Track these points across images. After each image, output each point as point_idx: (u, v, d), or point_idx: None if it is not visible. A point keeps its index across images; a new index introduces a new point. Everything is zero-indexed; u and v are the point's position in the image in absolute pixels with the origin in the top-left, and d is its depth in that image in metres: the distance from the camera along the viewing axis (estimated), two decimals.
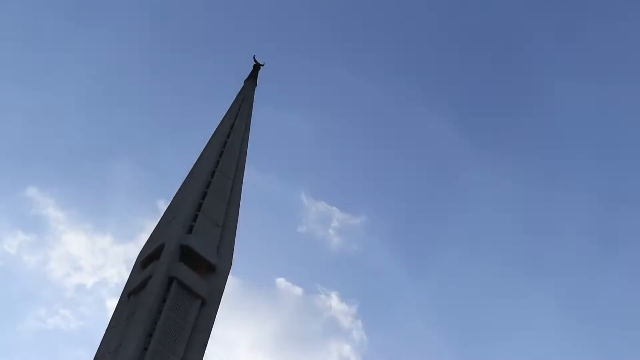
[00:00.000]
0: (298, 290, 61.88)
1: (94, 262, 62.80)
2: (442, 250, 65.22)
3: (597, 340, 67.27)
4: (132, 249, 22.70)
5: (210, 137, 22.29)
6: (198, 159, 21.44)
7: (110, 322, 16.72)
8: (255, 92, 25.41)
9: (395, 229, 68.98)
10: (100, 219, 70.51)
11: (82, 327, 59.73)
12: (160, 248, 17.35)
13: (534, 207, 69.19)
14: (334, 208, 65.58)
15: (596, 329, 65.78)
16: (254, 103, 24.88)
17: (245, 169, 22.07)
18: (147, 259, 17.91)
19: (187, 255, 17.14)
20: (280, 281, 61.51)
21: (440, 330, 65.07)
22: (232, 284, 19.53)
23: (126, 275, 19.07)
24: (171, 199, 20.62)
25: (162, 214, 20.27)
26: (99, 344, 15.91)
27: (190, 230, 17.88)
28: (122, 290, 18.18)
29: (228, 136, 22.21)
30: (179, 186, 20.79)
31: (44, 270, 62.19)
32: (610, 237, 68.18)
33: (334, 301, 63.73)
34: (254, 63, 25.62)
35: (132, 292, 17.12)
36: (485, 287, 64.48)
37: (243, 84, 25.52)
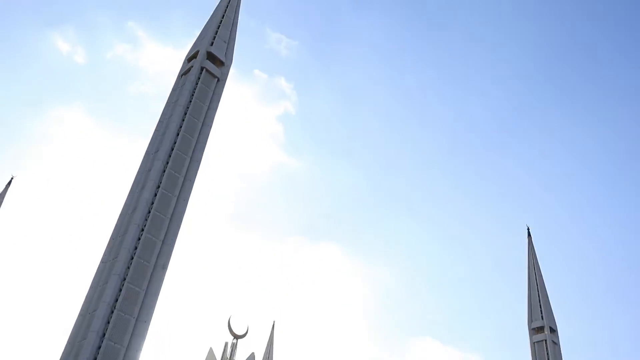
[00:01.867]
0: None
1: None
2: None
3: None
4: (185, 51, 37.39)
5: None
6: None
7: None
8: None
9: None
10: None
11: None
12: (197, 52, 32.87)
13: None
14: None
15: None
16: None
17: None
18: (190, 57, 33.50)
19: (210, 56, 32.56)
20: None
21: None
22: (231, 71, 34.60)
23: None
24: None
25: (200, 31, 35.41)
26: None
27: (212, 43, 33.15)
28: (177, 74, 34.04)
29: None
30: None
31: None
32: None
33: None
34: None
35: (182, 74, 32.81)
36: None
37: None
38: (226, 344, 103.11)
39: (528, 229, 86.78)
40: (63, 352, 36.26)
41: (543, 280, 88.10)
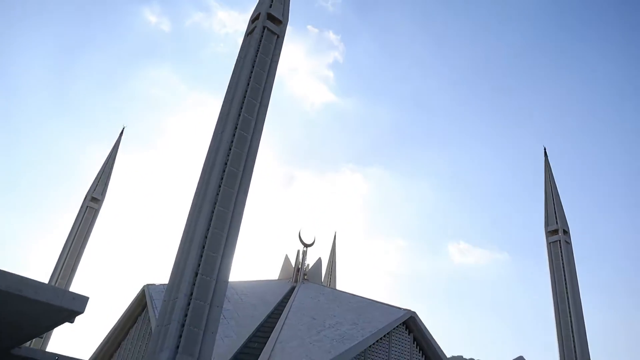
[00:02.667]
0: None
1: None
2: None
3: None
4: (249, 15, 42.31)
5: None
6: None
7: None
8: None
9: None
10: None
11: None
12: (259, 14, 38.19)
13: None
14: None
15: None
16: None
17: None
18: (253, 19, 38.62)
19: (270, 17, 37.75)
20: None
21: None
22: (287, 28, 39.55)
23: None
24: None
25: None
26: None
27: (271, 5, 38.34)
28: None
29: None
30: None
31: None
32: None
33: None
34: None
35: (248, 34, 38.09)
36: None
37: None
38: (298, 251, 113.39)
39: (545, 150, 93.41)
40: (171, 273, 44.71)
41: (557, 190, 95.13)
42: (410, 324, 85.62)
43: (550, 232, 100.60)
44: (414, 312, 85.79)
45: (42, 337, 42.49)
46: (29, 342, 28.25)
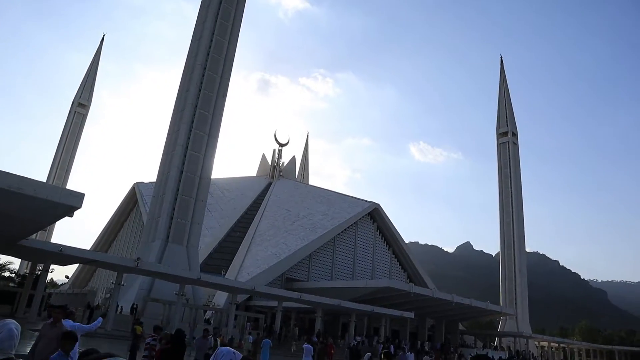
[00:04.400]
0: None
1: None
2: None
3: None
4: None
5: None
6: None
7: None
8: None
9: None
10: None
11: None
12: None
13: None
14: None
15: None
16: None
17: None
18: None
19: None
20: None
21: None
22: None
23: None
24: None
25: None
26: None
27: None
28: None
29: None
30: None
31: None
32: None
33: None
34: None
35: None
36: None
37: None
38: (274, 150, 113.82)
39: (501, 57, 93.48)
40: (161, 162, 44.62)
41: (510, 96, 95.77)
42: (375, 215, 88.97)
43: (500, 134, 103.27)
44: (378, 204, 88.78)
45: (46, 230, 43.19)
46: (35, 234, 28.89)
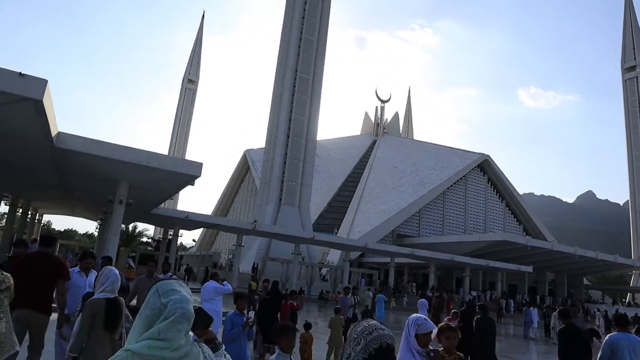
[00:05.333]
0: None
1: None
2: None
3: None
4: None
5: None
6: None
7: None
8: None
9: None
10: None
11: None
12: None
13: None
14: None
15: None
16: None
17: None
18: None
19: None
20: None
21: None
22: None
23: None
24: None
25: None
26: None
27: None
28: None
29: None
30: None
31: None
32: None
33: None
34: None
35: None
36: None
37: None
38: (376, 107, 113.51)
39: None
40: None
41: (638, 24, 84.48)
42: (485, 166, 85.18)
43: (626, 69, 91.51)
44: (488, 155, 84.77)
45: (172, 199, 47.11)
46: (163, 203, 31.63)
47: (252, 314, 6.83)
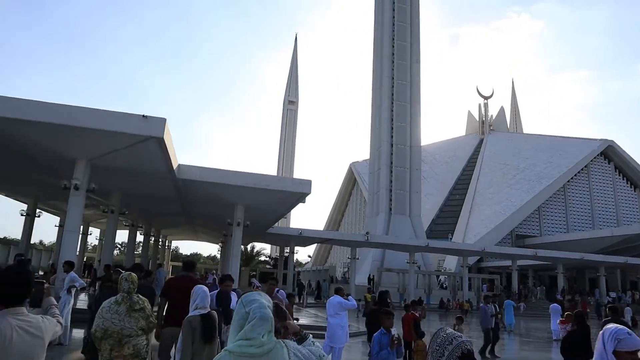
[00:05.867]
0: None
1: None
2: None
3: None
4: None
5: None
6: None
7: None
8: None
9: None
10: None
11: None
12: None
13: None
14: None
15: None
16: None
17: None
18: None
19: None
20: None
21: None
22: None
23: None
24: None
25: None
26: None
27: None
28: None
29: None
30: None
31: None
32: None
33: None
34: None
35: None
36: None
37: None
38: (479, 105, 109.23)
39: None
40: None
41: None
42: (609, 153, 77.59)
43: None
44: (612, 141, 77.17)
45: (285, 218, 48.86)
46: (277, 222, 32.79)
47: (394, 330, 6.65)
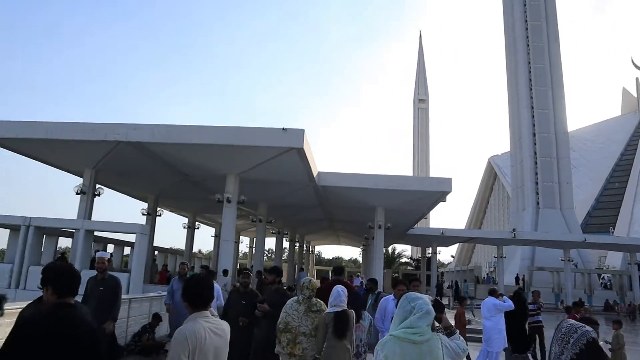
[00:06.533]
0: None
1: None
2: None
3: None
4: None
5: None
6: None
7: None
8: None
9: None
10: None
11: None
12: None
13: None
14: None
15: None
16: None
17: None
18: None
19: None
20: None
21: None
22: None
23: None
24: None
25: None
26: None
27: None
28: None
29: None
30: None
31: None
32: None
33: None
34: None
35: None
36: None
37: None
38: (636, 79, 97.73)
39: None
40: None
41: None
42: None
43: None
44: None
45: (426, 218, 47.91)
46: (417, 223, 32.35)
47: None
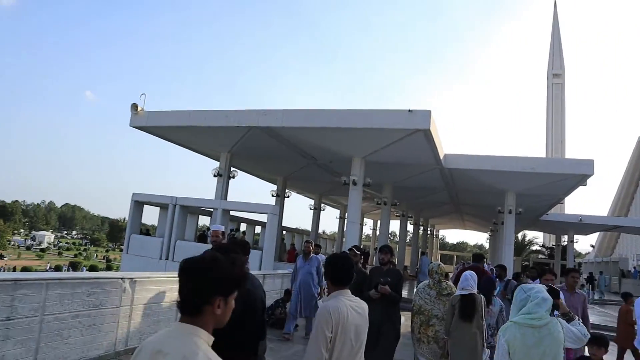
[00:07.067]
0: None
1: None
2: None
3: None
4: None
5: None
6: None
7: None
8: None
9: None
10: None
11: None
12: None
13: None
14: None
15: None
16: None
17: None
18: None
19: None
20: None
21: None
22: None
23: None
24: None
25: None
26: None
27: None
28: None
29: None
30: None
31: None
32: None
33: None
34: None
35: None
36: None
37: None
38: None
39: None
40: None
41: None
42: None
43: None
44: None
45: (562, 203, 44.21)
46: (551, 209, 30.16)
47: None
